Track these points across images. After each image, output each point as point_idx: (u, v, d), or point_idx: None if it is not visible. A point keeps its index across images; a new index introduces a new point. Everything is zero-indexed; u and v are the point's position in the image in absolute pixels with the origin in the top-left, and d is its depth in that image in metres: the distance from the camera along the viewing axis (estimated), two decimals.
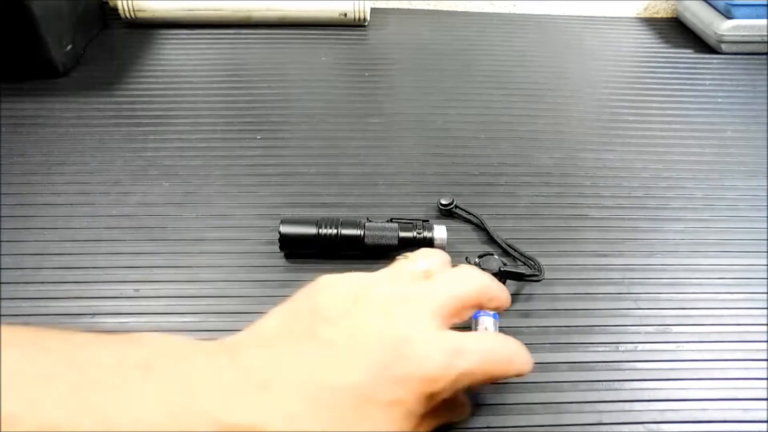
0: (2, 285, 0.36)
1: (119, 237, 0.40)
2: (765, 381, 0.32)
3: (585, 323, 0.36)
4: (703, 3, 0.74)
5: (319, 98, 0.58)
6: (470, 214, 0.43)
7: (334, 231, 0.38)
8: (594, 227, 0.43)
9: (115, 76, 0.60)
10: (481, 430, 0.29)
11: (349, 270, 0.24)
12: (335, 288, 0.24)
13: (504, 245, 0.40)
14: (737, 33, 0.69)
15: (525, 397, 0.31)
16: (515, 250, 0.39)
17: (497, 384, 0.31)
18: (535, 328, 0.35)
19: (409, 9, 0.80)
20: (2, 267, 0.37)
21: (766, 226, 0.44)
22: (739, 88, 0.64)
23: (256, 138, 0.51)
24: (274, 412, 0.19)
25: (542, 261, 0.38)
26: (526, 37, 0.73)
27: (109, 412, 0.17)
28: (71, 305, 0.35)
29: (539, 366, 0.33)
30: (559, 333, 0.35)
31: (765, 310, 0.37)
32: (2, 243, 0.39)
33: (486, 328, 0.30)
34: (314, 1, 0.70)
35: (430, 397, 0.21)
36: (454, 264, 0.28)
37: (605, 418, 0.30)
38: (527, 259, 0.38)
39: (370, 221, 0.39)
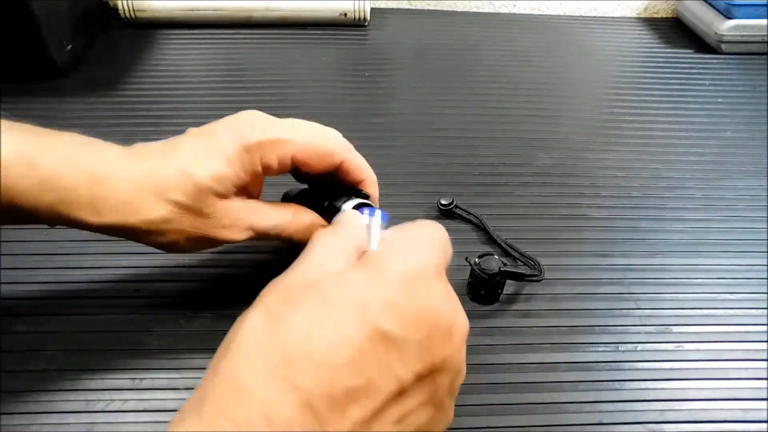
0: (2, 285, 0.36)
1: None
2: (765, 381, 0.33)
3: (585, 323, 0.36)
4: (703, 3, 0.74)
5: (319, 98, 0.58)
6: (470, 214, 0.43)
7: None
8: (594, 227, 0.43)
9: (115, 76, 0.60)
10: (481, 430, 0.29)
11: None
12: None
13: (504, 245, 0.40)
14: (737, 33, 0.69)
15: (525, 397, 0.31)
16: (515, 250, 0.39)
17: (497, 384, 0.32)
18: (535, 328, 0.35)
19: (409, 9, 0.80)
20: (2, 267, 0.37)
21: (766, 226, 0.44)
22: (739, 88, 0.64)
23: None
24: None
25: (542, 261, 0.38)
26: (526, 37, 0.73)
27: None
28: (71, 305, 0.35)
29: (539, 366, 0.33)
30: (559, 333, 0.35)
31: (765, 310, 0.37)
32: (2, 243, 0.39)
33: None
34: (314, 1, 0.70)
35: None
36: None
37: (605, 418, 0.30)
38: (527, 259, 0.38)
39: None
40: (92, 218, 0.25)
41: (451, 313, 0.19)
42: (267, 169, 0.29)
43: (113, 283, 0.37)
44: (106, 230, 0.26)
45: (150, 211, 0.26)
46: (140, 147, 0.29)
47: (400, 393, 0.18)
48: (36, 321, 0.34)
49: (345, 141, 0.31)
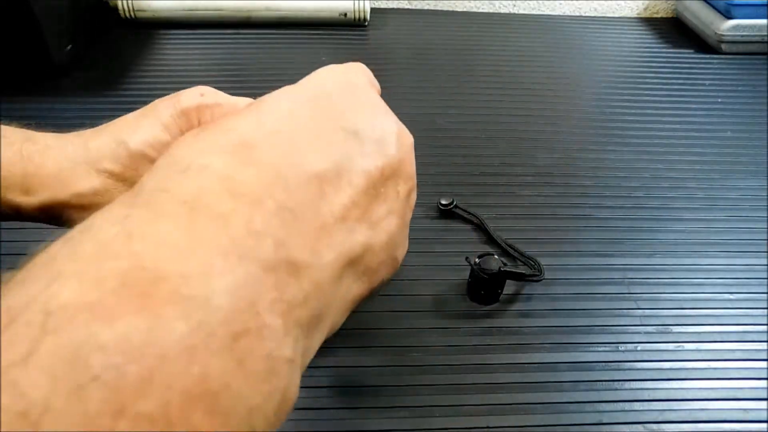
0: (2, 285, 0.36)
1: None
2: (765, 381, 0.33)
3: (585, 323, 0.36)
4: (703, 3, 0.74)
5: None
6: (470, 214, 0.43)
7: None
8: (594, 227, 0.43)
9: (115, 76, 0.60)
10: (481, 430, 0.29)
11: None
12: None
13: (504, 245, 0.40)
14: (737, 33, 0.69)
15: (525, 397, 0.31)
16: (515, 250, 0.39)
17: (497, 384, 0.32)
18: (535, 328, 0.35)
19: (409, 9, 0.80)
20: (2, 267, 0.37)
21: (766, 226, 0.44)
22: (739, 88, 0.64)
23: None
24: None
25: (542, 261, 0.38)
26: (526, 37, 0.73)
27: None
28: None
29: (539, 366, 0.33)
30: (559, 333, 0.35)
31: (765, 310, 0.37)
32: (2, 243, 0.39)
33: None
34: (314, 1, 0.70)
35: None
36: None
37: (605, 418, 0.30)
38: (527, 259, 0.38)
39: None
40: (23, 197, 0.24)
41: (395, 120, 0.19)
42: None
43: None
44: (38, 213, 0.25)
45: (81, 182, 0.25)
46: (79, 131, 0.27)
47: (370, 189, 0.17)
48: None
49: None
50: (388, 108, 0.19)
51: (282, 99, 0.17)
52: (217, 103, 0.27)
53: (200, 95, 0.27)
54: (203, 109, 0.26)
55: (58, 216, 0.26)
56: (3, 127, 0.26)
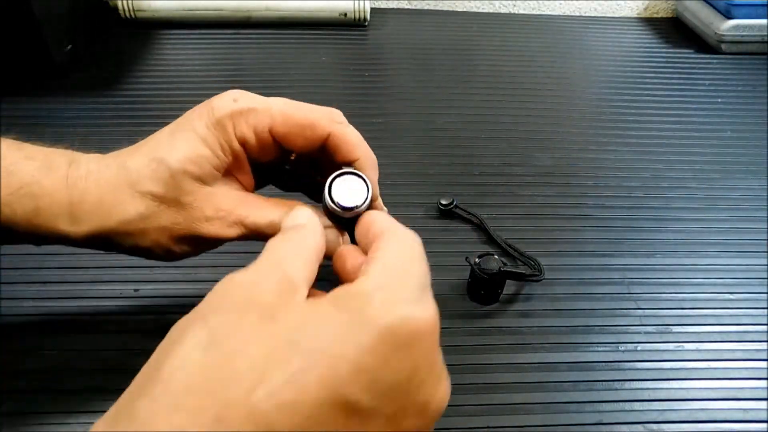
0: (2, 285, 0.36)
1: None
2: (765, 381, 0.33)
3: (585, 323, 0.36)
4: (703, 3, 0.74)
5: (319, 98, 0.58)
6: (470, 214, 0.43)
7: None
8: (594, 227, 0.43)
9: (115, 76, 0.60)
10: (481, 430, 0.29)
11: None
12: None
13: (504, 245, 0.40)
14: (737, 33, 0.69)
15: (525, 397, 0.31)
16: (515, 250, 0.39)
17: (497, 384, 0.32)
18: (535, 328, 0.35)
19: (409, 9, 0.80)
20: (2, 267, 0.37)
21: (766, 226, 0.44)
22: (739, 88, 0.64)
23: None
24: None
25: (542, 261, 0.38)
26: (526, 37, 0.73)
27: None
28: (71, 305, 0.35)
29: (539, 366, 0.33)
30: (559, 333, 0.35)
31: (765, 310, 0.37)
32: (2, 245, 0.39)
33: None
34: (314, 1, 0.70)
35: None
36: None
37: (605, 418, 0.30)
38: (527, 259, 0.38)
39: None
40: (71, 227, 0.24)
41: (431, 387, 0.17)
42: (245, 145, 0.26)
43: (113, 283, 0.37)
44: (87, 241, 0.25)
45: (125, 208, 0.24)
46: (117, 150, 0.26)
47: None
48: (36, 320, 0.34)
49: (335, 112, 0.27)
50: (434, 355, 0.19)
51: None
52: (250, 108, 0.25)
53: (233, 101, 0.25)
54: (237, 116, 0.25)
55: (107, 244, 0.25)
56: (51, 149, 0.25)
